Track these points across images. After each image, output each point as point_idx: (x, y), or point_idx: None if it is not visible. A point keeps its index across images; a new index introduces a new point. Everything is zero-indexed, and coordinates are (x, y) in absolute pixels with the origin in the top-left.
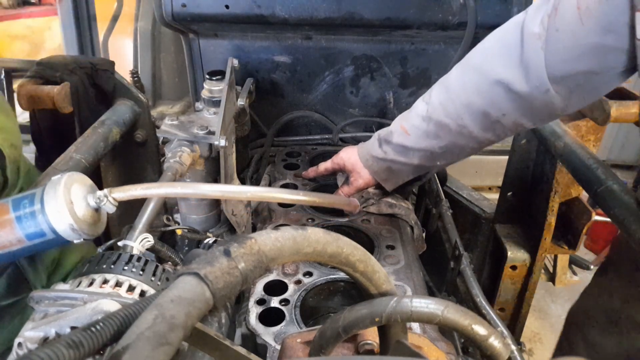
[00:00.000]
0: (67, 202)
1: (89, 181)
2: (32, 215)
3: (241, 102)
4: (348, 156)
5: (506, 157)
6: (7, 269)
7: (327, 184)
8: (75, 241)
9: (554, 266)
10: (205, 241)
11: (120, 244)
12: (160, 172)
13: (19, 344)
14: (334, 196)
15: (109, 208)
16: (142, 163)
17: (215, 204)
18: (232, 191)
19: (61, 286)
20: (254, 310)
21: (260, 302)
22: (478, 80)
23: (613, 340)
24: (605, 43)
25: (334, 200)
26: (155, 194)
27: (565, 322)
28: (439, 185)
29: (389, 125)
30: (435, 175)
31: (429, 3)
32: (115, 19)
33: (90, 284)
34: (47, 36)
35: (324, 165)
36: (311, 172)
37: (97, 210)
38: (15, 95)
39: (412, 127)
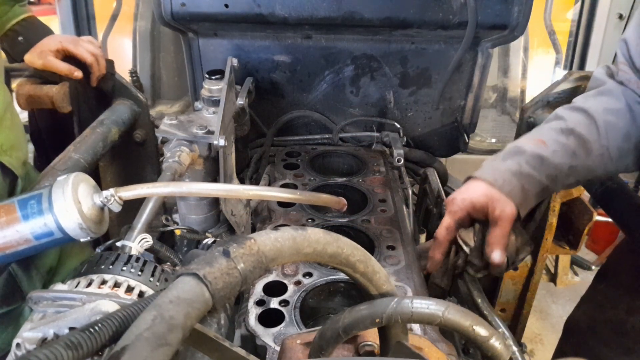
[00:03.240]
0: (76, 201)
1: (92, 181)
2: (40, 215)
3: (241, 101)
4: (473, 191)
5: None
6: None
7: (327, 184)
8: (81, 239)
9: (555, 267)
10: (205, 241)
11: (118, 244)
12: (159, 171)
13: (17, 345)
14: (321, 194)
15: (115, 207)
16: (141, 163)
17: (215, 204)
18: (235, 190)
19: (59, 287)
20: (253, 311)
21: (260, 303)
22: (611, 100)
23: (620, 352)
24: None
25: (323, 199)
26: (161, 193)
27: (564, 330)
28: (439, 185)
29: (389, 124)
30: (436, 175)
31: (429, 2)
32: (114, 18)
33: (89, 284)
34: None
35: (445, 224)
36: (437, 251)
37: (102, 209)
38: (14, 95)
39: (550, 139)
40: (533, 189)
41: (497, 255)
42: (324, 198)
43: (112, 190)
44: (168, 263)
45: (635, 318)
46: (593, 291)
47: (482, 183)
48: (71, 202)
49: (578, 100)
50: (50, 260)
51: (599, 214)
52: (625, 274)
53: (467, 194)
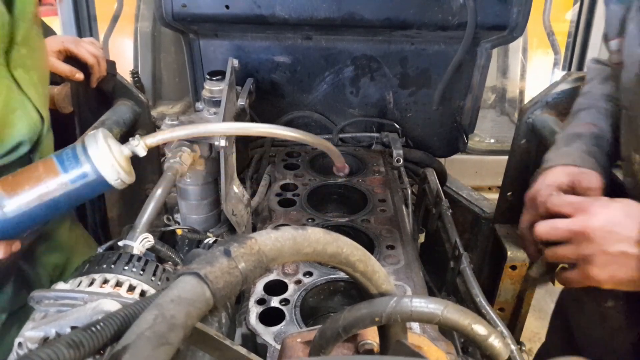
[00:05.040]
0: (108, 146)
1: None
2: (75, 159)
3: (241, 102)
4: (554, 175)
5: (506, 157)
6: (11, 277)
7: (326, 183)
8: (113, 182)
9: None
10: (206, 241)
11: (120, 243)
12: (160, 172)
13: (19, 344)
14: (332, 147)
15: (141, 152)
16: (141, 163)
17: (216, 204)
18: (248, 127)
19: (61, 286)
20: (254, 310)
21: (261, 301)
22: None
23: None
24: None
25: (333, 151)
26: (182, 135)
27: (557, 304)
28: (438, 185)
29: (389, 125)
30: (436, 175)
31: (428, 3)
32: (115, 19)
33: (91, 283)
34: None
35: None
36: (530, 249)
37: (128, 160)
38: None
39: (596, 121)
40: (603, 164)
41: None
42: (334, 151)
43: (137, 137)
44: (169, 262)
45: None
46: None
47: (559, 167)
48: (104, 145)
49: (590, 89)
50: (56, 258)
51: None
52: None
53: (549, 180)
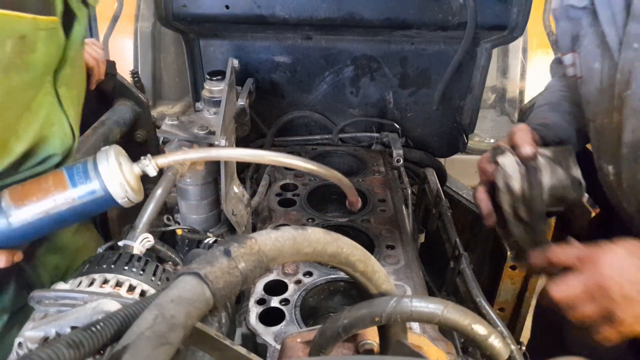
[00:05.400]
0: (118, 164)
1: (127, 156)
2: (85, 174)
3: (241, 102)
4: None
5: None
6: (12, 278)
7: (327, 184)
8: (120, 201)
9: None
10: (206, 241)
11: (120, 244)
12: (161, 172)
13: (19, 344)
14: (348, 182)
15: (152, 172)
16: None
17: (216, 203)
18: (261, 155)
19: (61, 286)
20: (254, 310)
21: (261, 301)
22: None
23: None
24: None
25: (350, 190)
26: (193, 158)
27: (537, 305)
28: (438, 185)
29: (389, 125)
30: (435, 175)
31: (428, 3)
32: (115, 19)
33: (91, 283)
34: None
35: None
36: (484, 210)
37: (139, 179)
38: None
39: (548, 116)
40: (542, 136)
41: (525, 149)
42: (347, 184)
43: (149, 158)
44: (169, 262)
45: None
46: None
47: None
48: (114, 162)
49: (549, 86)
50: (56, 260)
51: (597, 213)
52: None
53: (494, 149)
